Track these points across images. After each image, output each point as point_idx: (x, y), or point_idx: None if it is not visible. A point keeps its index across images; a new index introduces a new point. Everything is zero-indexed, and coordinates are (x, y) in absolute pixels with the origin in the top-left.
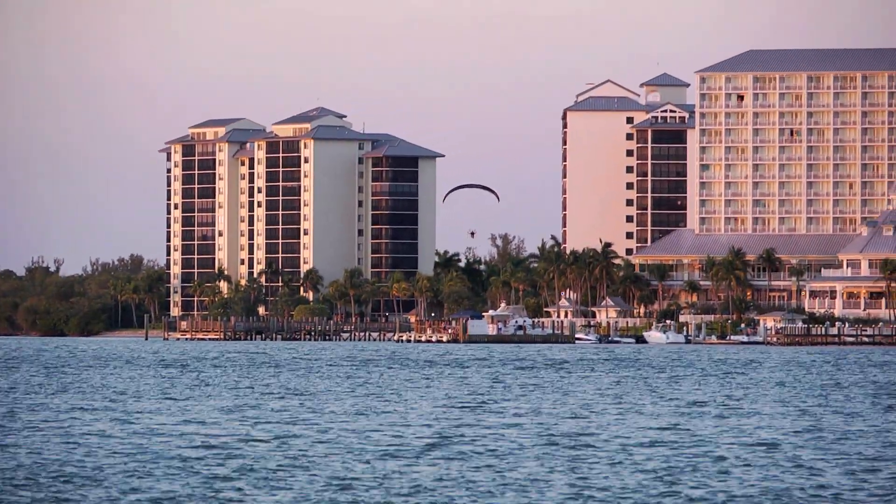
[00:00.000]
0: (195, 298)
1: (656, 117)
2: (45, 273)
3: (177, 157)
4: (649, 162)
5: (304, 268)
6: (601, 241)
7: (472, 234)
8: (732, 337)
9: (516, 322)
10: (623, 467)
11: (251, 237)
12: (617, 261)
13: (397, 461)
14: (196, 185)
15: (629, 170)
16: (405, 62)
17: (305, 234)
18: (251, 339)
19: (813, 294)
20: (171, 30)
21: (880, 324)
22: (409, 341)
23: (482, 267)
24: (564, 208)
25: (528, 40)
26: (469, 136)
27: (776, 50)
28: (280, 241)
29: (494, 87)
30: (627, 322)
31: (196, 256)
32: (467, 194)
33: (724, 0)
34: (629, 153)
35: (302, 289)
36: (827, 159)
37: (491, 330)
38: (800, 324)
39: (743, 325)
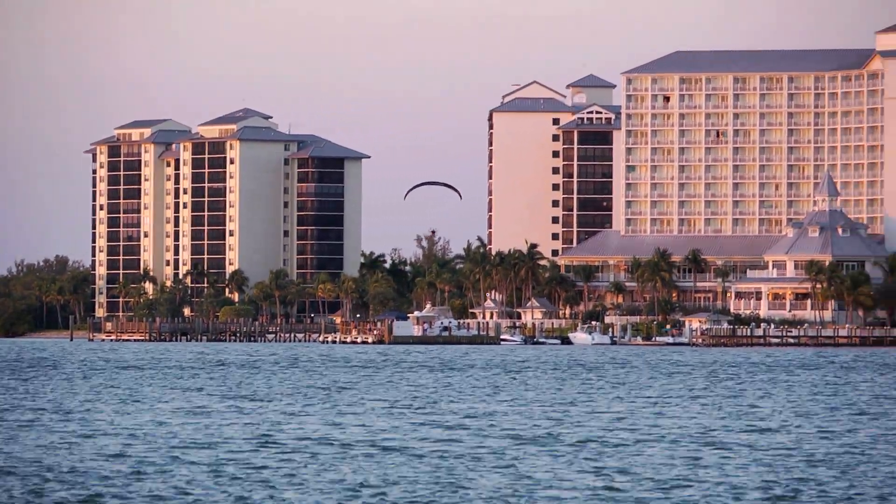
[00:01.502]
0: (121, 299)
1: (582, 118)
2: None
3: (102, 157)
4: (575, 163)
5: (229, 269)
6: (527, 242)
7: (433, 233)
8: (658, 338)
9: (441, 323)
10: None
11: (177, 238)
12: (543, 262)
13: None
14: (122, 186)
15: (555, 171)
16: (331, 63)
17: (231, 235)
18: (176, 341)
19: (738, 295)
20: (101, 30)
21: (805, 325)
22: (334, 342)
23: (408, 268)
24: (490, 209)
25: (454, 41)
26: (395, 137)
27: (702, 51)
28: (206, 242)
29: (421, 87)
30: (553, 323)
31: (121, 257)
32: (396, 194)
33: (650, 1)
34: (555, 154)
35: (227, 290)
36: (753, 160)
37: (416, 331)
38: (725, 325)
39: (668, 327)
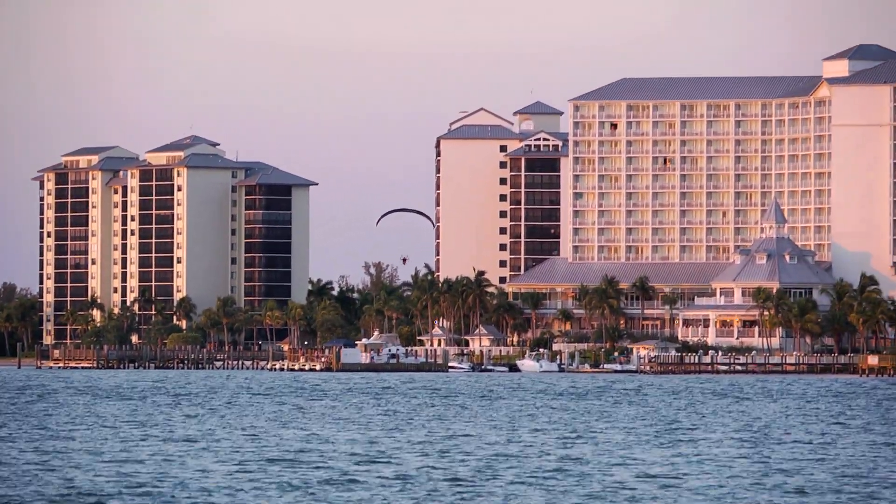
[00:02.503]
0: (68, 327)
1: (530, 145)
2: None
3: (50, 185)
4: (523, 190)
5: (177, 296)
6: (474, 270)
7: (404, 260)
8: (605, 365)
9: (389, 350)
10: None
11: (124, 265)
12: (490, 289)
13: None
14: (69, 213)
15: (503, 198)
16: (279, 90)
17: (178, 262)
18: (124, 368)
19: (686, 322)
20: (48, 57)
21: (753, 352)
22: (282, 370)
23: (355, 295)
24: (438, 237)
25: (403, 68)
26: (343, 165)
27: (649, 78)
28: (153, 269)
29: (369, 115)
30: (501, 350)
31: (69, 285)
32: (344, 222)
33: (597, 29)
34: (503, 181)
35: (175, 317)
36: (700, 187)
37: (364, 358)
38: (673, 352)
39: (616, 354)
